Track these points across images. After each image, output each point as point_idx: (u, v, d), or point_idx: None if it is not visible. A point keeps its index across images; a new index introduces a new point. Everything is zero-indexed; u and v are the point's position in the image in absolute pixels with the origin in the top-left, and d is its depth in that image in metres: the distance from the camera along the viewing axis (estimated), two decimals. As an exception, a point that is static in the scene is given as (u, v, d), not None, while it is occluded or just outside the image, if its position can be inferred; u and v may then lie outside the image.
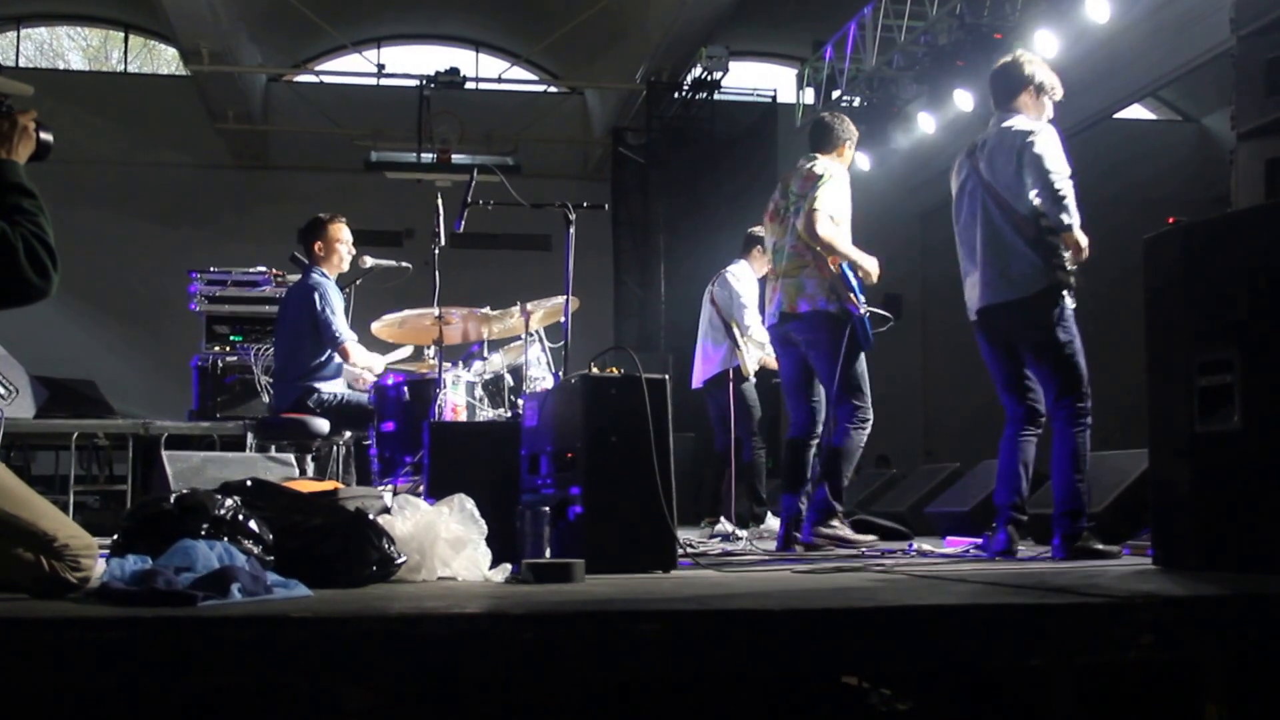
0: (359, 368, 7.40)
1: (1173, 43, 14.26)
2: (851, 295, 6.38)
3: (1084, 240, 5.60)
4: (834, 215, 6.46)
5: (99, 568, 3.49)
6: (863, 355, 6.51)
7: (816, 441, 6.77)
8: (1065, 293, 5.62)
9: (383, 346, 7.57)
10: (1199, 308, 4.45)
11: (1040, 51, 12.66)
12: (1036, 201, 5.60)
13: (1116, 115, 18.37)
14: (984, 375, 6.03)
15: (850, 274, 6.43)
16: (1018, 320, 5.72)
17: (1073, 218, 5.53)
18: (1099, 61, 13.95)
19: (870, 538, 6.60)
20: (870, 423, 6.55)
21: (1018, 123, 5.75)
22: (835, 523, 6.41)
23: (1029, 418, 5.80)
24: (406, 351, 7.73)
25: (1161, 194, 19.35)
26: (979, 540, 5.97)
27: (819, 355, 6.54)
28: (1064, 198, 5.53)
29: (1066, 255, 5.61)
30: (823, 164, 6.62)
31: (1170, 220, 4.74)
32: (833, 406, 6.57)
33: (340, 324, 7.28)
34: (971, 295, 5.91)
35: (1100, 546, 5.40)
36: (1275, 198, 6.99)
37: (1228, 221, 4.90)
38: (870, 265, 6.54)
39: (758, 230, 9.41)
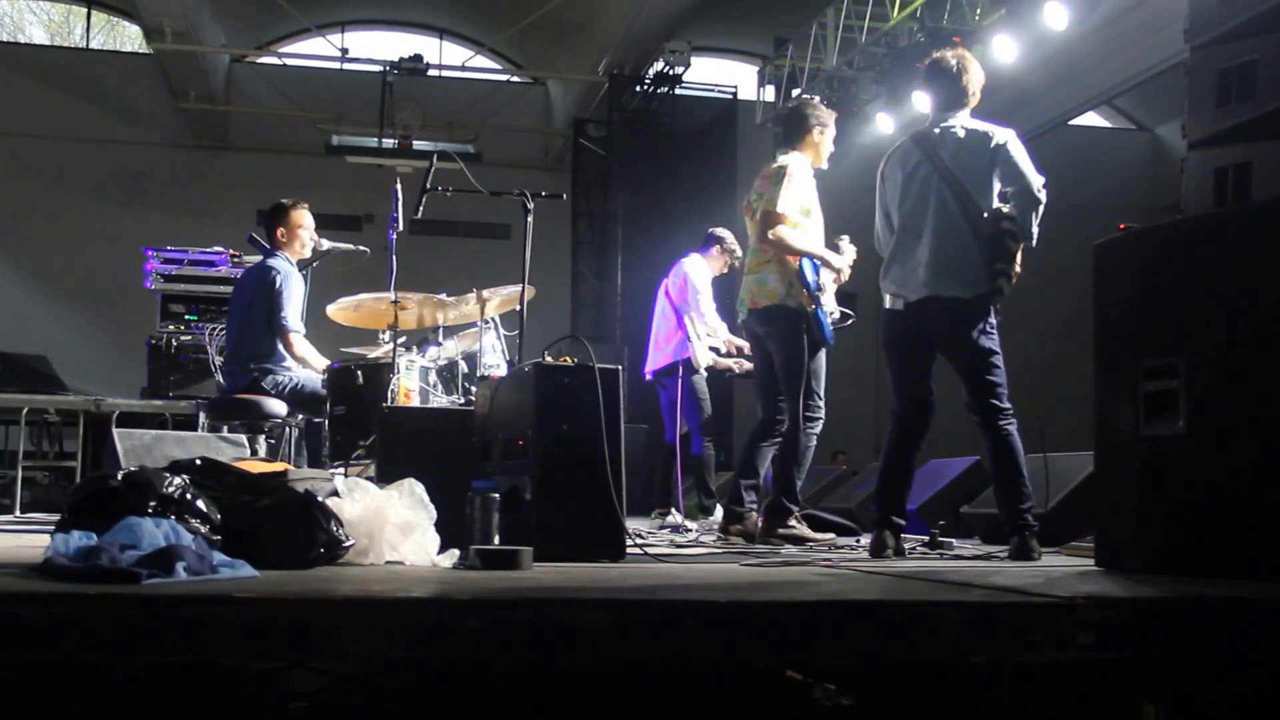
0: (299, 359, 7.30)
1: (1129, 52, 14.39)
2: (805, 292, 6.43)
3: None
4: (792, 213, 6.50)
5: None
6: (822, 354, 6.56)
7: (778, 440, 6.75)
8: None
9: (340, 334, 7.51)
10: (1146, 313, 4.50)
11: (998, 56, 12.83)
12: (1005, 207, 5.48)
13: (1071, 122, 18.50)
14: (939, 374, 5.95)
15: (809, 271, 6.46)
16: (955, 318, 5.62)
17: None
18: (1056, 68, 14.10)
19: (828, 536, 6.63)
20: (820, 422, 6.60)
21: (978, 124, 5.66)
22: (792, 522, 6.45)
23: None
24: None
25: (1113, 201, 19.52)
26: (926, 537, 6.00)
27: (776, 350, 6.59)
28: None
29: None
30: (783, 161, 6.69)
31: (1121, 226, 4.78)
32: (785, 403, 6.60)
33: (291, 312, 7.20)
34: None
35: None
36: (1223, 206, 7.05)
37: (1176, 229, 4.94)
38: (835, 260, 6.59)
39: (719, 230, 9.49)
